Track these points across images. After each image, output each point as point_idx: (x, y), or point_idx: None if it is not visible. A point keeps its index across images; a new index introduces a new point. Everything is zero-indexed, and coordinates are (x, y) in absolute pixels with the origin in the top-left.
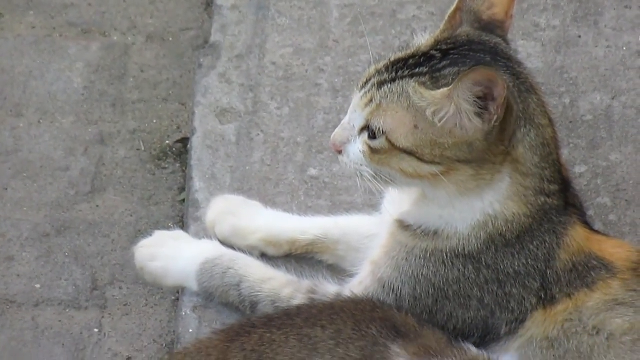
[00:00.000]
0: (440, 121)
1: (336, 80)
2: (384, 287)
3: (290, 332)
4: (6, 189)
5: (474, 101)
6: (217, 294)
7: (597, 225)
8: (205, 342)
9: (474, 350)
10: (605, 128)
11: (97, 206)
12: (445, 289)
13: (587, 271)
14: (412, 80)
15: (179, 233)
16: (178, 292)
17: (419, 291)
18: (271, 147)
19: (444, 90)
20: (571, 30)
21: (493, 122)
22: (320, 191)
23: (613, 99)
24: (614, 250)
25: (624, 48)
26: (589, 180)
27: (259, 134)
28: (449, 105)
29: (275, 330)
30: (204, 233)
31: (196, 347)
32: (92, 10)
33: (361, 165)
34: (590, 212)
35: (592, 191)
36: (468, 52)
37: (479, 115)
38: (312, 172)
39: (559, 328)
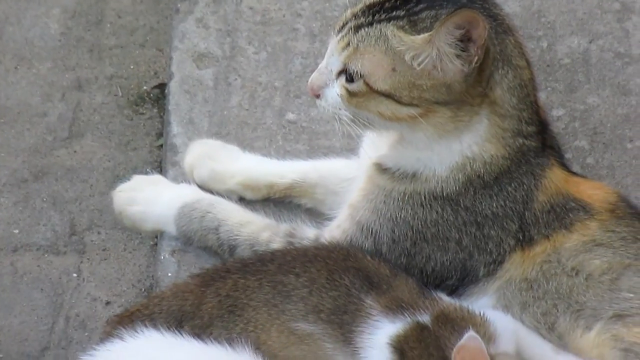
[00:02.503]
0: (419, 64)
1: (313, 24)
2: (362, 230)
3: (264, 279)
4: None
5: (455, 44)
6: (195, 237)
7: (575, 168)
8: (181, 286)
9: (445, 299)
10: (583, 71)
11: (75, 152)
12: (424, 231)
13: (565, 213)
14: (390, 24)
15: (157, 177)
16: (157, 237)
17: (397, 234)
18: (249, 91)
19: (425, 35)
20: None
21: (473, 64)
22: (298, 135)
23: (590, 42)
24: (592, 191)
25: None
26: (566, 124)
27: (236, 79)
28: (430, 49)
29: (249, 276)
30: (182, 177)
31: (172, 291)
32: None
33: (339, 109)
34: (568, 155)
35: (569, 134)
36: None
37: (459, 57)
38: (290, 116)
39: (537, 269)
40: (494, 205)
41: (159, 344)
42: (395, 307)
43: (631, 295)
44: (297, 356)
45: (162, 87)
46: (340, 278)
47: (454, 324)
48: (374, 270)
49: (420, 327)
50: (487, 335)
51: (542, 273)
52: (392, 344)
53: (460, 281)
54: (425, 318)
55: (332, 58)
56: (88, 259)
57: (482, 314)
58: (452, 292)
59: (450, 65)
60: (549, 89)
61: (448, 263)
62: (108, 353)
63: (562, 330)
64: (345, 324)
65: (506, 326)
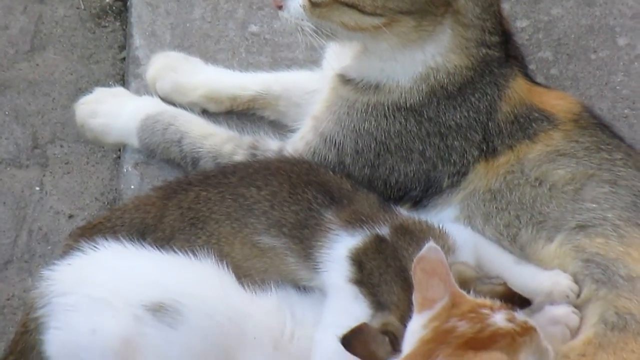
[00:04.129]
0: None
1: None
2: (325, 141)
3: (226, 191)
4: None
5: None
6: (158, 150)
7: (539, 79)
8: (143, 199)
9: (404, 213)
10: None
11: (37, 65)
12: (387, 142)
13: (529, 123)
14: None
15: (119, 90)
16: (119, 150)
17: (360, 145)
18: (211, 3)
19: None
20: None
21: None
22: (261, 47)
23: None
24: (556, 101)
25: None
26: (530, 35)
27: None
28: None
29: (211, 189)
30: (145, 90)
31: (134, 203)
32: None
33: (302, 20)
34: (532, 66)
35: (533, 45)
36: None
37: None
38: (253, 28)
39: (501, 180)
40: (458, 116)
41: (121, 255)
42: (354, 221)
43: (594, 205)
44: (259, 268)
45: None
46: (303, 192)
47: (412, 236)
48: (335, 184)
49: (378, 240)
50: (446, 246)
51: (506, 184)
52: (351, 257)
53: (424, 192)
54: (384, 231)
55: None
56: (51, 172)
57: (440, 227)
58: (416, 203)
59: None
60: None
61: (412, 174)
62: (69, 267)
63: (524, 242)
64: (305, 239)
65: (465, 238)
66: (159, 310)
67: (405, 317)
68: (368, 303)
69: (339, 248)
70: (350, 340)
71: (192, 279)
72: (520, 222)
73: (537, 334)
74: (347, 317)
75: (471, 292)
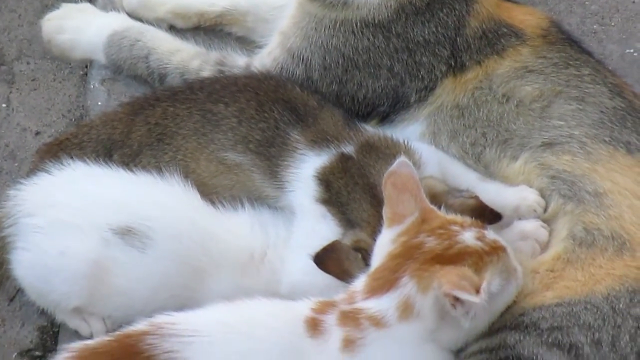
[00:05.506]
0: None
1: None
2: (293, 57)
3: (194, 107)
4: None
5: None
6: (125, 66)
7: None
8: (110, 115)
9: (370, 130)
10: None
11: None
12: (355, 58)
13: (497, 38)
14: None
15: (86, 5)
16: (86, 66)
17: (328, 61)
18: None
19: None
20: None
21: None
22: None
23: None
24: (524, 17)
25: None
26: None
27: None
28: None
29: (178, 105)
30: (112, 6)
31: (102, 120)
32: None
33: None
34: None
35: None
36: None
37: None
38: None
39: (468, 96)
40: (426, 31)
41: (88, 177)
42: (320, 141)
43: (561, 123)
44: (225, 185)
45: None
46: (270, 110)
47: (378, 152)
48: (301, 102)
49: (345, 158)
50: (413, 162)
51: (474, 100)
52: (317, 176)
53: (391, 107)
54: (349, 149)
55: None
56: (17, 89)
57: (406, 142)
58: (383, 119)
59: None
60: None
61: (380, 90)
62: (36, 187)
63: (488, 161)
64: (272, 157)
65: (430, 155)
66: (127, 234)
67: (375, 234)
68: (337, 222)
69: (306, 168)
70: (322, 259)
71: (160, 201)
72: (486, 140)
73: (505, 254)
74: (316, 237)
75: (442, 207)
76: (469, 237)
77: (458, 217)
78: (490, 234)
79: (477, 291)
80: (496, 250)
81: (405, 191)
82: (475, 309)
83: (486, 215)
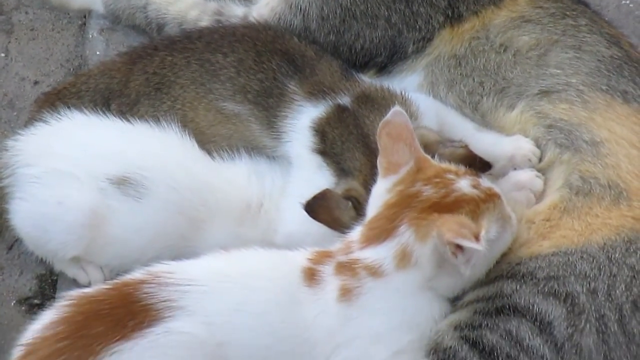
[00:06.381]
0: None
1: None
2: (291, 7)
3: (192, 57)
4: None
5: None
6: (123, 16)
7: None
8: (108, 64)
9: (366, 81)
10: None
11: None
12: (353, 8)
13: None
14: None
15: None
16: (85, 16)
17: (326, 11)
18: None
19: None
20: None
21: None
22: None
23: None
24: None
25: None
26: None
27: None
28: None
29: (176, 54)
30: None
31: (100, 69)
32: None
33: None
34: None
35: None
36: None
37: None
38: None
39: (466, 46)
40: None
41: (85, 127)
42: (317, 92)
43: (558, 71)
44: (223, 134)
45: None
46: (268, 60)
47: (374, 103)
48: (299, 53)
49: (340, 109)
50: (409, 113)
51: (471, 49)
52: (314, 127)
53: (389, 58)
54: (345, 100)
55: None
56: (16, 38)
57: (403, 93)
58: (381, 69)
59: None
60: None
61: (377, 40)
62: (34, 137)
63: (485, 110)
64: (270, 107)
65: (427, 105)
66: (124, 184)
67: (368, 183)
68: (332, 172)
69: (303, 119)
70: (313, 207)
71: (157, 151)
72: (483, 89)
73: (500, 201)
74: (312, 187)
75: (435, 157)
76: (464, 185)
77: (452, 166)
78: (485, 181)
79: (477, 238)
80: (492, 197)
81: (400, 140)
82: (476, 257)
83: (476, 164)
